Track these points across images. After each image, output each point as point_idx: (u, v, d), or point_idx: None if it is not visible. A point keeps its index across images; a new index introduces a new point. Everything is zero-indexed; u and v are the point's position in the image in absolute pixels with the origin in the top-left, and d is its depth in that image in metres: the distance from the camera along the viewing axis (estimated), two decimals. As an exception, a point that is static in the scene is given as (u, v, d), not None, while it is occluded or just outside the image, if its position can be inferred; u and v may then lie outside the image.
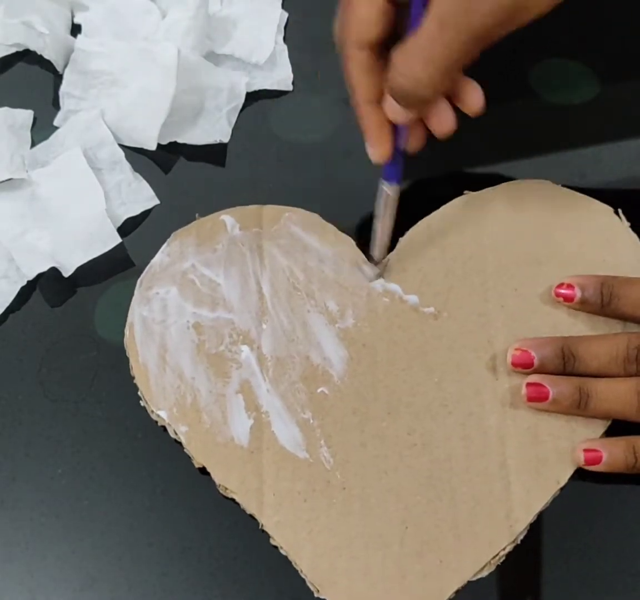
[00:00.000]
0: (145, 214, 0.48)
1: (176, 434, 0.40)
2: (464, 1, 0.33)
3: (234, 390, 0.41)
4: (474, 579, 0.37)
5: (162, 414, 0.41)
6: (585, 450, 0.39)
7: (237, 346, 0.42)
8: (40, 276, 0.46)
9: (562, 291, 0.42)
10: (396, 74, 0.35)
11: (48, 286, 0.46)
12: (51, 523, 0.40)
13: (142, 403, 0.42)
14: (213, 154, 0.50)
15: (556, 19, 0.55)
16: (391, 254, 0.44)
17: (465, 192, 0.46)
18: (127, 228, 0.48)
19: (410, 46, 0.35)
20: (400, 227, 0.45)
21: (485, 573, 0.37)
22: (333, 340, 0.42)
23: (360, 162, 0.50)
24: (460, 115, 0.39)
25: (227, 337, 0.43)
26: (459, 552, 0.38)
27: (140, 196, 0.48)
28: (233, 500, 0.39)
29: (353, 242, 0.45)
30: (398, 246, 0.45)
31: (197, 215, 0.46)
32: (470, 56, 0.35)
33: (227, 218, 0.46)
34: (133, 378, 0.42)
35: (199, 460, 0.40)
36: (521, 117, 0.51)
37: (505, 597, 0.38)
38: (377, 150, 0.39)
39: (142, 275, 0.45)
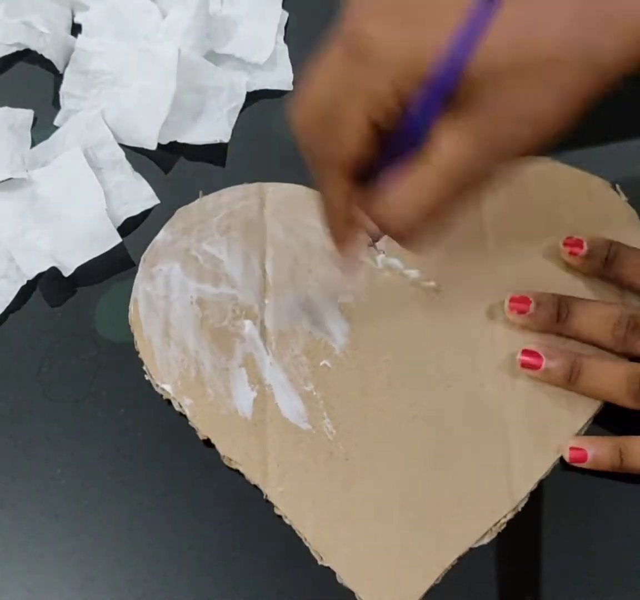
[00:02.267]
0: (145, 213, 0.48)
1: (181, 407, 0.41)
2: (470, 161, 0.31)
3: (237, 364, 0.42)
4: (476, 546, 0.38)
5: (167, 387, 0.41)
6: (572, 449, 0.39)
7: (240, 321, 0.43)
8: (40, 276, 0.46)
9: (570, 247, 0.42)
10: (391, 220, 0.34)
11: (48, 286, 0.46)
12: (51, 523, 0.40)
13: (146, 377, 0.42)
14: (213, 154, 0.50)
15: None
16: None
17: None
18: (127, 228, 0.48)
19: (408, 193, 0.33)
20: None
21: (486, 540, 0.38)
22: (335, 314, 0.43)
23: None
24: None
25: (230, 312, 0.43)
26: (461, 520, 0.38)
27: (140, 196, 0.48)
28: (237, 471, 0.40)
29: None
30: None
31: (200, 192, 0.46)
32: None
33: (229, 195, 0.46)
34: (137, 353, 0.43)
35: (203, 433, 0.40)
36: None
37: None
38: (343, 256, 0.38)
39: (145, 253, 0.45)
